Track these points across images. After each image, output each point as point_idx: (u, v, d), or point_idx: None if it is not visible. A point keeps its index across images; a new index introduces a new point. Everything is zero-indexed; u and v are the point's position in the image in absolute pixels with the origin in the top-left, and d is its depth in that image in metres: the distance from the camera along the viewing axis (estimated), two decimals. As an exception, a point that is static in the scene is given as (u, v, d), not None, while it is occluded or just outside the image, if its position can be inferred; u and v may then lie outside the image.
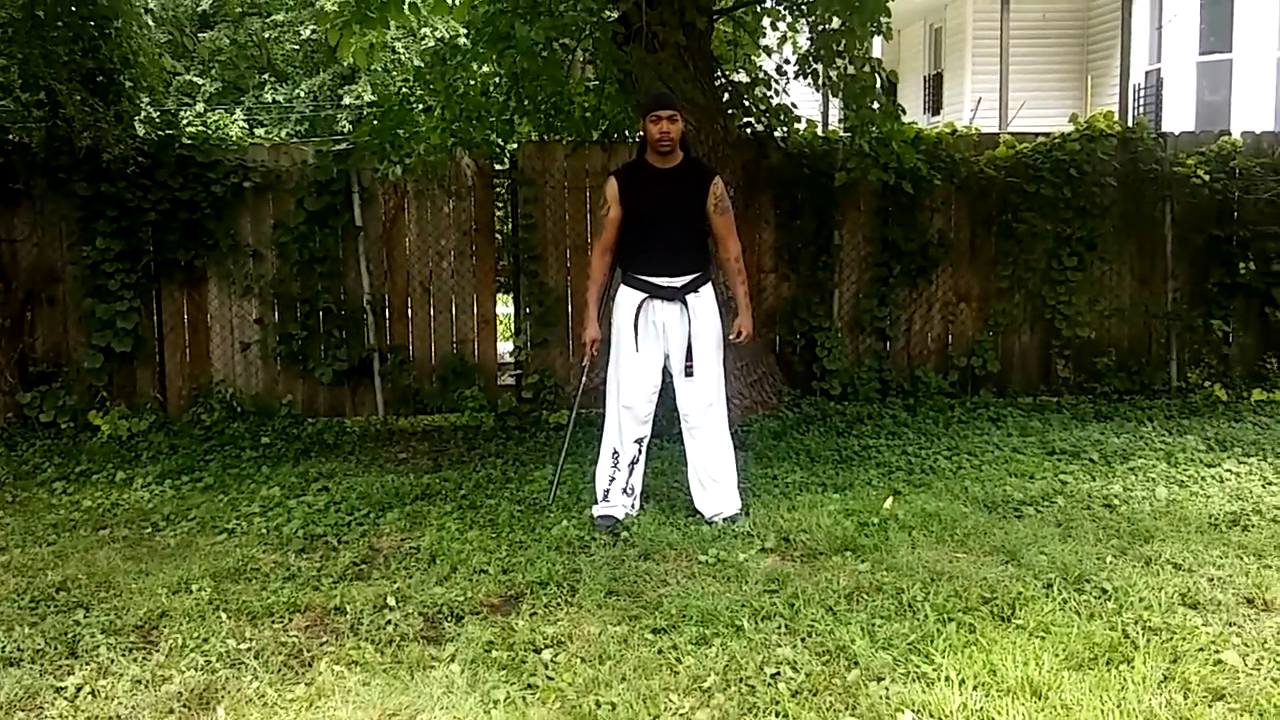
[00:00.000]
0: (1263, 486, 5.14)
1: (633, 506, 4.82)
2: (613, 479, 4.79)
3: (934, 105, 17.74)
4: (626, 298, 4.75)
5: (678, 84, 6.04)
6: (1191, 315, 7.39)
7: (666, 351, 4.75)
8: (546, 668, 3.32)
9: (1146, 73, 15.14)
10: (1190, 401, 7.10)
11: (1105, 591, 3.77)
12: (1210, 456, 5.70)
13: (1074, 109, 11.99)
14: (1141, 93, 15.14)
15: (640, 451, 4.83)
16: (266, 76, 22.22)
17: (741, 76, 7.43)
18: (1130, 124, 7.59)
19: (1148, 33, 14.80)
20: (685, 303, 4.71)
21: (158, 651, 3.51)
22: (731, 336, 4.89)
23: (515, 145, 7.14)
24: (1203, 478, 5.31)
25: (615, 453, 4.79)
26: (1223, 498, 4.98)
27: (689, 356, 4.70)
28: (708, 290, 4.78)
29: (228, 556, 4.40)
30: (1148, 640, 3.38)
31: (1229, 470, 5.41)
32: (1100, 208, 7.21)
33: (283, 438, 6.56)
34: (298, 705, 3.13)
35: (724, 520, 4.68)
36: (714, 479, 4.77)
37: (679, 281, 4.70)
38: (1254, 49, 13.78)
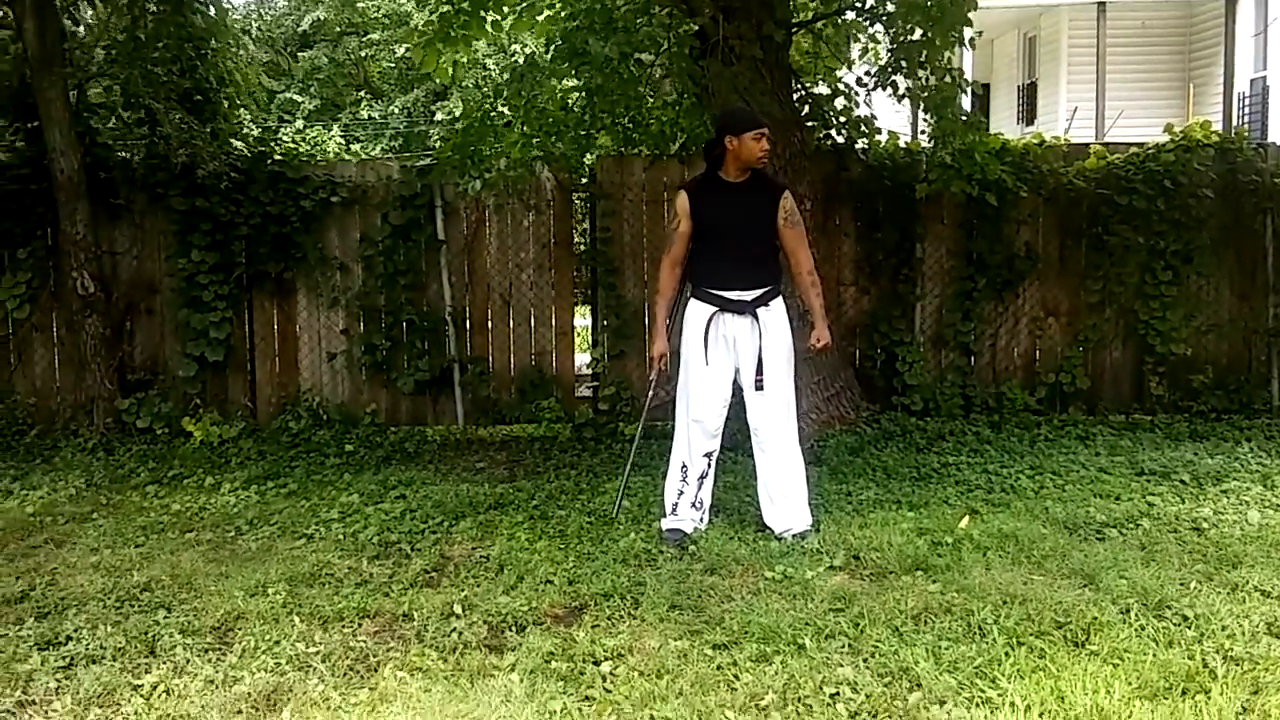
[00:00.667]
0: (1365, 512, 4.89)
1: (701, 520, 4.80)
2: (681, 493, 4.77)
3: (1028, 115, 17.35)
4: (697, 311, 4.73)
5: (755, 97, 6.03)
6: (1294, 332, 7.09)
7: (737, 365, 4.73)
8: (605, 680, 3.32)
9: (1252, 80, 14.58)
10: (1292, 422, 6.79)
11: (1186, 618, 3.62)
12: (1311, 480, 5.44)
13: (1175, 118, 11.60)
14: (1247, 101, 14.58)
15: (710, 465, 4.81)
16: (363, 94, 22.84)
17: (822, 88, 7.38)
18: (1229, 134, 7.31)
19: (1253, 39, 14.26)
20: (756, 316, 4.67)
21: (231, 652, 3.61)
22: (811, 345, 4.87)
23: (593, 159, 7.20)
24: (1300, 502, 5.07)
25: (684, 466, 4.77)
26: (1321, 523, 4.74)
27: (759, 370, 4.65)
28: (779, 304, 4.75)
29: (304, 561, 4.51)
30: (1228, 670, 3.23)
31: (1329, 494, 5.16)
32: (1196, 220, 6.97)
33: (366, 445, 6.70)
34: (360, 710, 3.19)
35: (793, 536, 4.63)
36: (784, 494, 4.72)
37: (750, 295, 4.68)
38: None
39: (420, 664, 3.47)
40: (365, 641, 3.68)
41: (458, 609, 3.91)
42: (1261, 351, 7.19)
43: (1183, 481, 5.47)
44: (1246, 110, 14.56)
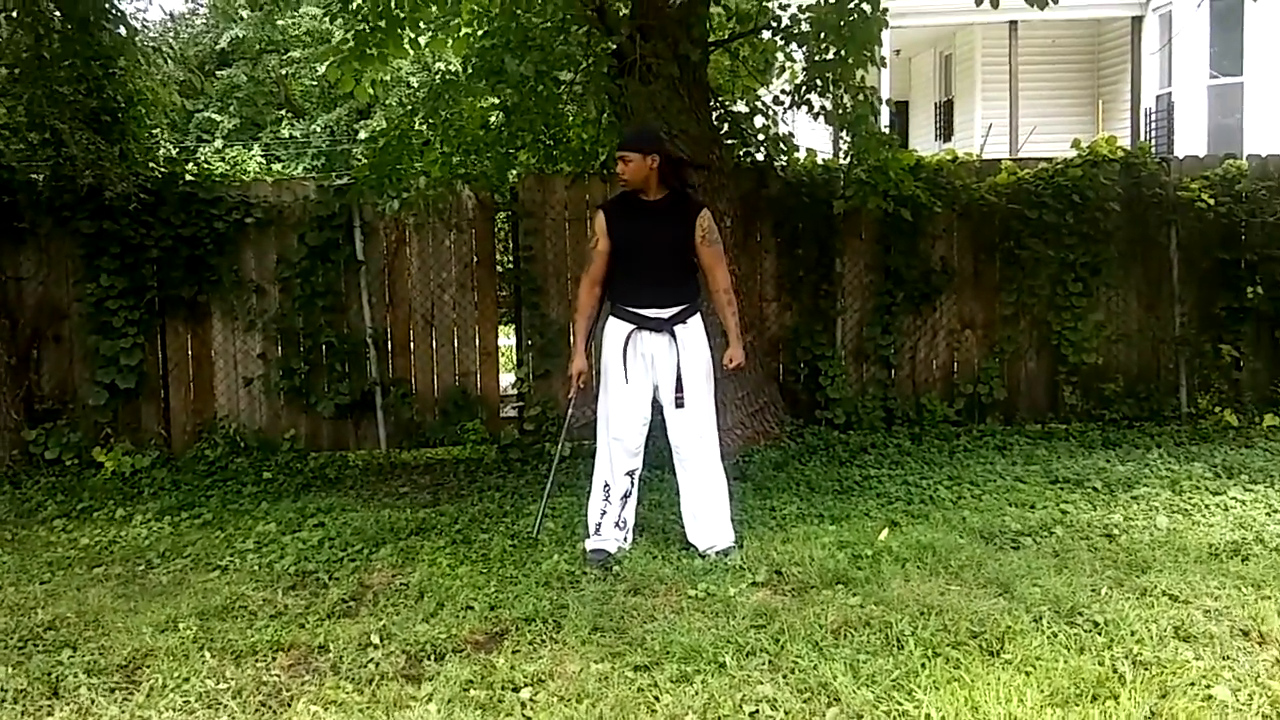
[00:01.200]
0: (1267, 514, 5.05)
1: (625, 539, 4.79)
2: (604, 512, 4.75)
3: (945, 132, 17.72)
4: (615, 329, 4.74)
5: (672, 115, 6.07)
6: (1200, 340, 7.32)
7: (656, 383, 4.74)
8: (524, 707, 3.28)
9: (1158, 97, 15.08)
10: (1200, 428, 7.00)
11: (1096, 624, 3.70)
12: (1216, 484, 5.61)
13: (1086, 133, 11.94)
14: (1153, 117, 15.06)
15: (633, 484, 4.80)
16: (284, 112, 22.51)
17: (741, 107, 7.45)
18: (1136, 149, 7.53)
19: (1158, 57, 14.75)
20: (674, 334, 4.69)
21: (139, 691, 3.50)
22: (724, 364, 4.87)
23: (515, 177, 7.18)
24: (1207, 506, 5.22)
25: (606, 485, 4.77)
26: (1225, 526, 4.89)
27: (679, 388, 4.67)
28: (696, 321, 4.76)
29: (217, 594, 4.39)
30: (1136, 675, 3.31)
31: (1234, 498, 5.31)
32: (1104, 233, 7.16)
33: (285, 473, 6.57)
34: (272, 746, 3.11)
35: (716, 553, 4.63)
36: (706, 511, 4.73)
37: (667, 313, 4.69)
38: (1266, 72, 13.68)
39: (335, 697, 3.39)
40: (279, 676, 3.59)
41: (375, 639, 3.84)
42: (1169, 360, 7.40)
43: (1095, 489, 5.60)
44: (1153, 125, 15.04)
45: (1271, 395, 7.27)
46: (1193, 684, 3.25)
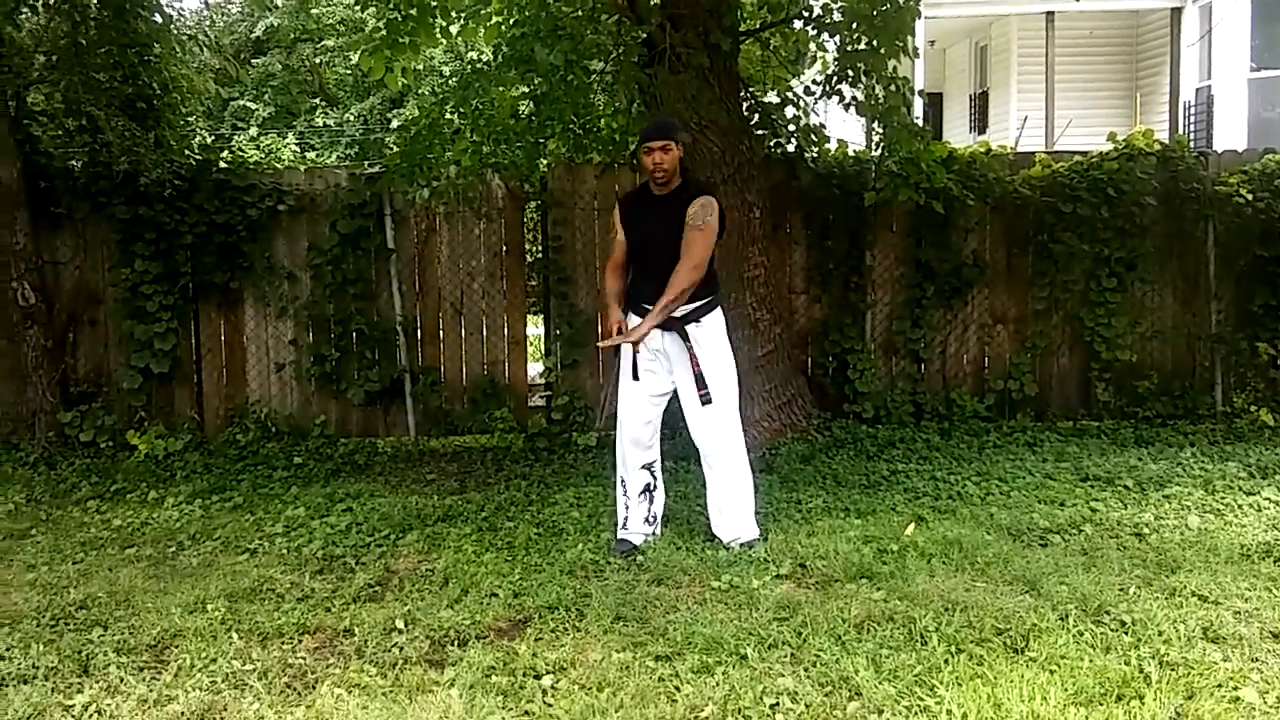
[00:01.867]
0: (1302, 515, 4.98)
1: (653, 534, 4.77)
2: (627, 507, 4.75)
3: (980, 124, 17.54)
4: (631, 325, 4.66)
5: (702, 105, 6.05)
6: (1236, 338, 7.21)
7: (674, 382, 4.68)
8: (545, 694, 3.30)
9: (1197, 90, 14.84)
10: (1235, 427, 6.90)
11: (1123, 624, 3.66)
12: (1250, 484, 5.53)
13: (1123, 127, 11.78)
14: (1192, 110, 14.83)
15: (654, 477, 4.78)
16: (318, 101, 22.62)
17: (771, 97, 7.41)
18: (1173, 142, 7.42)
19: (1198, 49, 14.52)
20: (685, 333, 4.58)
21: (166, 671, 3.56)
22: (609, 331, 4.64)
23: (545, 167, 7.18)
24: (1240, 506, 5.15)
25: (623, 480, 4.77)
26: (1258, 527, 4.82)
27: (701, 384, 4.58)
28: (711, 319, 4.65)
29: (246, 576, 4.44)
30: (1163, 675, 3.27)
31: (1268, 498, 5.24)
32: (1139, 228, 7.06)
33: (315, 458, 6.63)
34: (296, 728, 3.14)
35: (740, 545, 4.63)
36: (731, 505, 4.70)
37: (677, 312, 4.56)
38: (1310, 64, 13.46)
39: (359, 680, 3.43)
40: (304, 658, 3.63)
41: (400, 624, 3.87)
42: (1204, 357, 7.30)
43: (1126, 487, 5.53)
44: (1192, 119, 14.81)
45: (1309, 394, 7.16)
46: (1220, 686, 3.21)
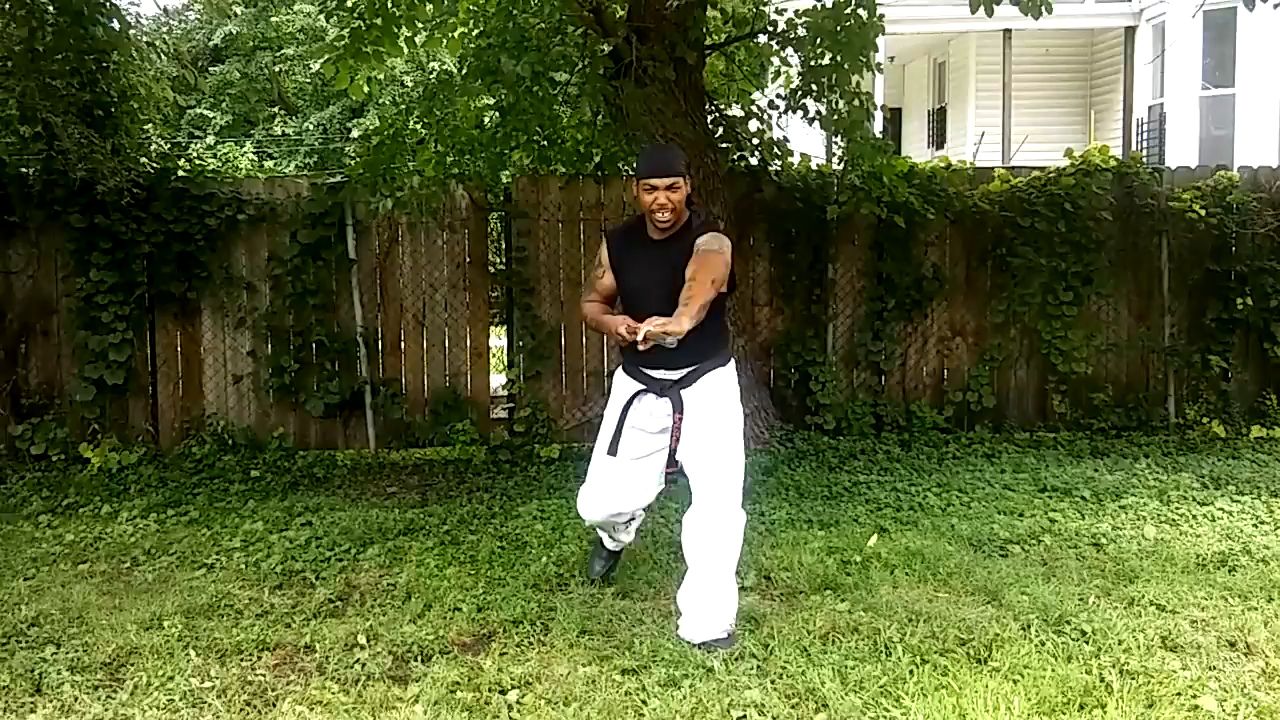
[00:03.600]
0: (1254, 526, 5.07)
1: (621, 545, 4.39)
2: (599, 538, 4.37)
3: (938, 139, 17.75)
4: (621, 386, 3.97)
5: (667, 118, 6.08)
6: (1189, 351, 7.34)
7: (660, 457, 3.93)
8: (511, 709, 3.27)
9: (1150, 107, 15.13)
10: (1188, 438, 7.02)
11: (1084, 633, 3.70)
12: (1204, 495, 5.63)
13: (1078, 143, 11.96)
14: (1145, 127, 15.12)
15: (630, 517, 4.23)
16: (277, 109, 22.45)
17: (736, 111, 7.46)
18: (1127, 158, 7.56)
19: (1151, 68, 14.81)
20: (679, 398, 3.82)
21: (122, 689, 3.48)
22: (643, 329, 3.52)
23: (509, 178, 7.17)
24: (1194, 516, 5.24)
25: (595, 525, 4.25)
26: (1213, 537, 4.90)
27: (671, 463, 3.86)
28: (708, 381, 3.84)
29: (203, 592, 4.37)
30: (1124, 684, 3.31)
31: (1221, 509, 5.33)
32: (1095, 242, 7.18)
33: (273, 471, 6.55)
34: (256, 746, 3.09)
35: (700, 646, 3.70)
36: (702, 604, 3.78)
37: (676, 374, 3.82)
38: (1257, 84, 13.75)
39: (320, 697, 3.38)
40: (264, 675, 3.57)
41: (362, 639, 3.82)
42: (1158, 370, 7.43)
43: (1083, 498, 5.61)
44: (1145, 136, 15.09)
45: (1259, 406, 7.31)
46: (1179, 694, 3.26)
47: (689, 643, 3.71)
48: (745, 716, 3.17)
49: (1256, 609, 3.96)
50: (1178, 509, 5.37)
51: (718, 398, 3.84)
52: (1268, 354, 7.28)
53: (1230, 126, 13.98)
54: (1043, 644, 3.63)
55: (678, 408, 3.81)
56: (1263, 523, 5.13)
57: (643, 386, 3.88)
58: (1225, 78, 14.19)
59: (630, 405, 3.91)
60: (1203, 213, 7.10)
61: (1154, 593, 4.11)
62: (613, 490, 3.99)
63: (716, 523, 3.79)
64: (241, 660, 3.70)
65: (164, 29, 20.21)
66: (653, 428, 3.89)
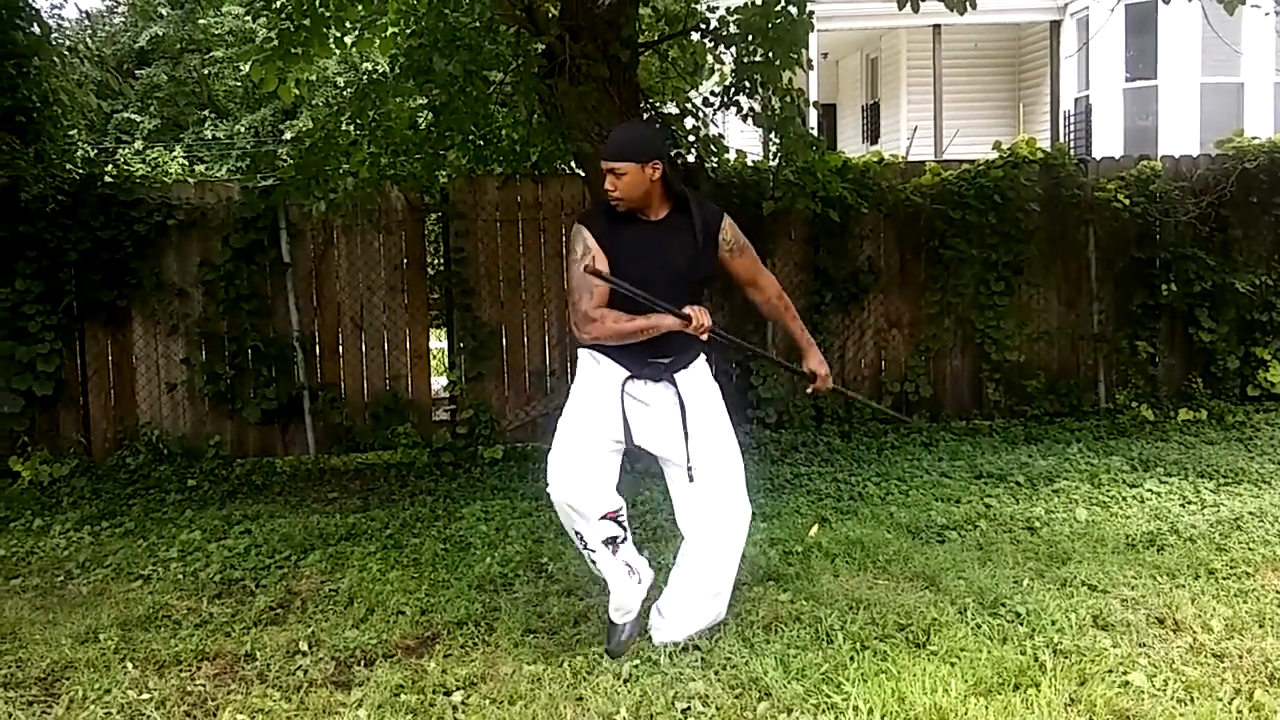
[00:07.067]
0: (1181, 506, 5.22)
1: (641, 582, 3.76)
2: (595, 562, 3.69)
3: (872, 134, 18.00)
4: (603, 373, 3.64)
5: (603, 116, 6.06)
6: (1117, 337, 7.53)
7: (655, 449, 3.68)
8: (455, 710, 3.27)
9: (1076, 100, 15.49)
10: (1118, 422, 7.20)
11: (1019, 615, 3.79)
12: (1133, 477, 5.78)
13: (1008, 136, 12.21)
14: (1072, 119, 15.47)
15: (619, 526, 3.64)
16: (207, 113, 22.05)
17: (671, 108, 7.48)
18: (1055, 150, 7.73)
19: (1076, 60, 15.15)
20: (674, 381, 3.64)
21: (58, 704, 3.42)
22: (815, 388, 3.86)
23: (445, 178, 7.12)
24: (1124, 498, 5.38)
25: (579, 534, 3.64)
26: (1142, 518, 5.04)
27: (689, 456, 3.63)
28: (701, 364, 3.74)
29: (140, 604, 4.29)
30: (1056, 663, 3.40)
31: (1150, 490, 5.48)
32: (1025, 233, 7.33)
33: (210, 480, 6.45)
34: (197, 757, 3.05)
35: (667, 645, 3.67)
36: (687, 605, 3.71)
37: (669, 358, 3.63)
38: (1179, 74, 14.15)
39: (262, 705, 3.34)
40: (204, 685, 3.52)
41: (303, 646, 3.78)
42: (1088, 356, 7.61)
43: (1018, 483, 5.73)
44: (1072, 127, 15.44)
45: (1185, 390, 7.51)
46: (1110, 671, 3.35)
47: (658, 643, 3.64)
48: (690, 708, 3.20)
49: (1184, 586, 4.08)
50: (1108, 491, 5.51)
51: (705, 379, 3.73)
52: (1192, 338, 7.49)
53: (1154, 117, 14.36)
54: (979, 626, 3.71)
55: (679, 391, 3.62)
56: (1190, 503, 5.28)
57: (630, 373, 3.60)
58: (1148, 69, 14.57)
59: (622, 390, 3.59)
60: (1127, 202, 7.29)
61: (1085, 573, 4.21)
62: (590, 472, 3.56)
63: (730, 516, 3.70)
64: (180, 671, 3.64)
65: (87, 33, 19.77)
66: (640, 415, 3.62)
